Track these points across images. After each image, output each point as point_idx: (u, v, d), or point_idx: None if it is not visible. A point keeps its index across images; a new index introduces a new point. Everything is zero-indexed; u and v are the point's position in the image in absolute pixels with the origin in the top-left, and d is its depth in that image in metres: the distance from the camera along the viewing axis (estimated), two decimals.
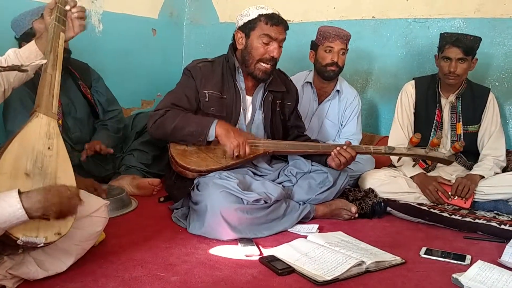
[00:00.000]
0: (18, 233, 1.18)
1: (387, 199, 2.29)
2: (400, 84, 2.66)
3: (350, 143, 2.15)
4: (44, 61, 1.45)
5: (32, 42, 1.56)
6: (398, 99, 2.59)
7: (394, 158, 2.42)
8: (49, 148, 1.34)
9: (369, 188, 2.36)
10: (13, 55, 1.55)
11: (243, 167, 2.08)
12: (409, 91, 2.55)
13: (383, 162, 2.63)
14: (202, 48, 3.69)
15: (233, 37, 2.18)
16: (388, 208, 2.25)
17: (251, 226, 1.84)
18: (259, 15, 2.05)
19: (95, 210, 1.50)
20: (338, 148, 2.09)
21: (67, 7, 1.55)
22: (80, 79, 2.47)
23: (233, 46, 2.19)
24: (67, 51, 2.25)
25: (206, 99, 2.10)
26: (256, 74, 2.11)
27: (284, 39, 2.11)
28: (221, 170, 1.97)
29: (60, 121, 2.29)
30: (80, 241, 1.47)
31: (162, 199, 2.29)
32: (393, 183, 2.36)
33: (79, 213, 1.36)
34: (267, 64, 2.08)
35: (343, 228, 1.97)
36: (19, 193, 1.15)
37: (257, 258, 1.66)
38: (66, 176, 1.36)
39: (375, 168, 2.58)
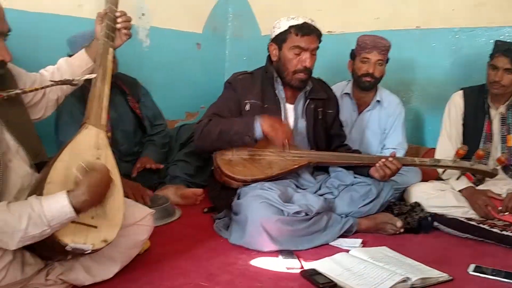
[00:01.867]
0: (67, 239, 1.24)
1: (435, 213, 2.21)
2: (446, 95, 2.57)
3: (395, 154, 2.10)
4: (94, 76, 1.52)
5: (83, 51, 1.65)
6: (445, 110, 2.50)
7: (441, 171, 2.34)
8: (97, 158, 1.40)
9: (416, 202, 2.28)
10: (65, 64, 1.64)
11: (286, 179, 2.08)
12: (457, 101, 2.46)
13: (430, 174, 2.53)
14: (243, 61, 3.74)
15: (268, 48, 2.21)
16: (435, 223, 2.17)
17: (291, 238, 1.83)
18: (290, 26, 2.07)
19: (140, 219, 1.55)
20: (383, 160, 2.06)
21: (116, 15, 1.63)
22: (129, 94, 2.58)
23: (269, 57, 2.23)
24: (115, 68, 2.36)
25: (248, 109, 2.13)
26: (293, 83, 2.13)
27: (317, 47, 2.11)
28: (266, 180, 1.99)
29: (109, 134, 2.39)
30: (126, 248, 1.51)
31: (206, 209, 2.32)
32: (440, 197, 2.27)
33: (125, 221, 1.41)
34: (302, 73, 2.10)
35: (387, 243, 1.92)
36: (67, 192, 1.22)
37: (298, 271, 1.64)
38: (114, 184, 1.40)
39: (422, 181, 2.50)
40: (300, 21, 2.07)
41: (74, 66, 1.63)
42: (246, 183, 2.00)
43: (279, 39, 2.12)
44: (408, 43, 2.95)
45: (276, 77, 2.17)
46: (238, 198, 1.97)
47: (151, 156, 2.57)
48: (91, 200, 1.25)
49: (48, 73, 1.61)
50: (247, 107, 2.13)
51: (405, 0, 2.96)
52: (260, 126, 1.97)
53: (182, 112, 3.54)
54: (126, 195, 2.08)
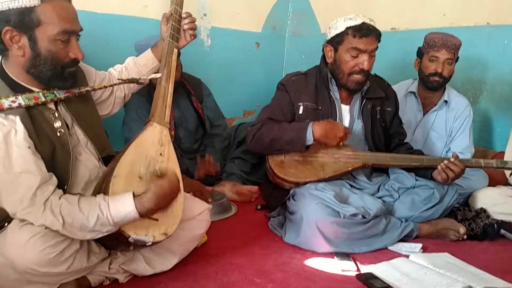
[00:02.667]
0: (130, 231, 1.31)
1: (501, 220, 2.09)
2: None
3: (458, 156, 2.00)
4: (159, 75, 1.59)
5: (149, 50, 1.73)
6: None
7: (509, 173, 2.20)
8: (161, 154, 1.46)
9: (481, 208, 2.16)
10: (132, 63, 1.73)
11: (340, 179, 2.05)
12: None
13: (497, 179, 2.39)
14: (302, 59, 3.72)
15: (323, 49, 2.16)
16: (502, 231, 2.05)
17: (348, 240, 1.80)
18: (347, 27, 1.99)
19: (199, 213, 1.59)
20: (445, 162, 1.97)
21: (182, 17, 1.69)
22: (193, 95, 2.66)
23: (324, 58, 2.18)
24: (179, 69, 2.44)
25: (301, 112, 2.10)
26: (349, 86, 2.07)
27: (376, 48, 2.02)
28: (319, 182, 1.96)
29: (173, 132, 2.48)
30: (184, 242, 1.56)
31: (259, 207, 2.35)
32: (508, 203, 2.14)
33: (184, 215, 1.45)
34: (359, 75, 2.03)
35: (449, 250, 1.83)
36: (134, 196, 1.28)
37: (354, 274, 1.62)
38: (173, 171, 1.45)
39: (489, 185, 2.36)
40: (358, 21, 1.97)
41: (140, 65, 1.71)
42: (298, 185, 1.99)
43: (335, 41, 2.04)
44: (477, 41, 2.79)
45: (330, 78, 2.12)
46: (293, 198, 1.97)
47: (213, 155, 2.62)
48: (156, 207, 1.33)
49: (116, 72, 1.71)
50: (301, 110, 2.10)
51: None
52: (312, 133, 1.95)
53: (240, 110, 3.59)
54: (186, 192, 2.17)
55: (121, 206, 1.26)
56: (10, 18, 1.21)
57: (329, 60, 2.12)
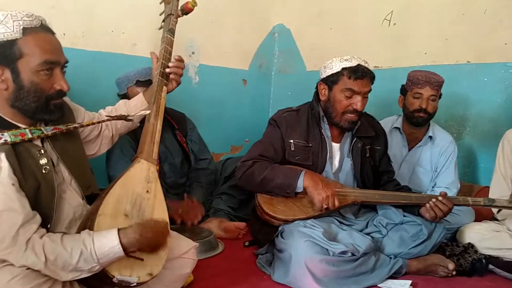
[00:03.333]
0: (114, 271, 1.27)
1: (489, 255, 2.09)
2: (500, 131, 2.47)
3: (446, 193, 2.02)
4: (148, 112, 1.59)
5: (140, 94, 1.76)
6: (499, 148, 2.38)
7: (495, 211, 2.22)
8: (147, 191, 1.44)
9: (469, 243, 2.17)
10: (122, 104, 1.76)
11: (329, 216, 2.04)
12: (511, 138, 2.35)
13: (484, 214, 2.41)
14: (289, 96, 3.78)
15: (317, 86, 2.19)
16: (490, 266, 2.06)
17: (337, 279, 1.77)
18: (343, 68, 2.02)
19: (185, 252, 1.56)
20: (434, 200, 1.98)
21: (170, 64, 1.71)
22: (177, 129, 2.66)
23: (317, 95, 2.21)
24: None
25: (292, 149, 2.11)
26: (342, 124, 2.09)
27: (369, 90, 2.07)
28: (308, 220, 1.94)
29: (157, 167, 2.46)
30: (170, 282, 1.52)
31: (247, 243, 2.31)
32: (496, 238, 2.15)
33: (170, 254, 1.42)
34: (352, 114, 2.06)
35: (439, 286, 1.84)
36: (118, 230, 1.25)
37: None
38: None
39: (475, 221, 2.38)
40: (354, 63, 2.01)
41: (131, 106, 1.74)
42: (287, 222, 1.97)
43: (330, 80, 2.07)
44: (458, 78, 2.88)
45: (322, 116, 2.15)
46: (281, 235, 1.95)
47: (198, 198, 2.55)
48: (141, 243, 1.29)
49: (106, 112, 1.72)
50: (292, 147, 2.11)
51: (455, 35, 2.91)
52: (303, 183, 1.96)
53: (227, 146, 3.59)
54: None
55: (105, 240, 1.23)
56: None
57: (322, 98, 2.14)
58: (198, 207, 2.42)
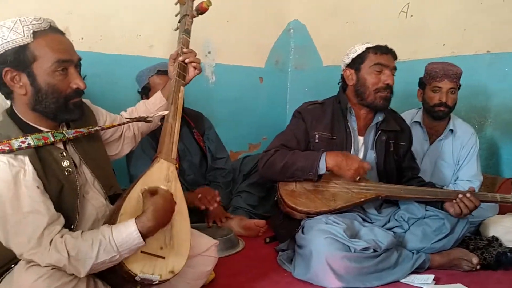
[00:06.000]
0: (136, 270, 1.29)
1: None
2: None
3: (474, 189, 1.99)
4: (166, 112, 1.61)
5: (159, 92, 1.78)
6: None
7: None
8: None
9: (493, 236, 2.13)
10: (141, 104, 1.79)
11: (352, 211, 2.02)
12: None
13: (508, 207, 2.36)
14: (305, 92, 3.77)
15: (342, 77, 2.19)
16: None
17: (359, 275, 1.76)
18: (367, 48, 2.09)
19: (205, 250, 1.58)
20: (460, 196, 1.95)
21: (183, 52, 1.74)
22: (194, 127, 2.68)
23: (342, 86, 2.20)
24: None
25: (316, 141, 2.10)
26: (377, 103, 2.07)
27: (395, 68, 2.08)
28: (330, 212, 1.94)
29: (177, 165, 2.49)
30: (192, 279, 1.54)
31: (268, 239, 2.32)
32: None
33: (191, 252, 1.43)
34: (385, 91, 2.05)
35: (463, 281, 1.80)
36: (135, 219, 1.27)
37: None
38: (182, 215, 1.45)
39: (499, 213, 2.33)
40: (375, 44, 2.10)
41: (150, 104, 1.76)
42: (309, 215, 1.97)
43: (357, 62, 2.10)
44: (478, 69, 2.83)
45: (349, 107, 2.14)
46: (302, 231, 1.94)
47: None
48: (157, 224, 1.29)
49: (127, 113, 1.76)
50: (316, 138, 2.10)
51: (473, 25, 2.85)
52: (326, 163, 1.95)
53: (245, 144, 3.60)
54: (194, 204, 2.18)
55: (123, 228, 1.24)
56: (7, 59, 1.25)
57: (351, 83, 2.13)
58: (213, 190, 2.41)
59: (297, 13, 3.75)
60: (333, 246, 1.76)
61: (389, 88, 2.05)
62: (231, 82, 3.39)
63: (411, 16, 3.14)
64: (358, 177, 1.94)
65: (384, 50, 2.06)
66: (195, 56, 1.77)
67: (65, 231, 1.26)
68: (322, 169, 1.96)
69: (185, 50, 1.75)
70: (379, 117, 2.15)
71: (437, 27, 3.02)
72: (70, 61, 1.32)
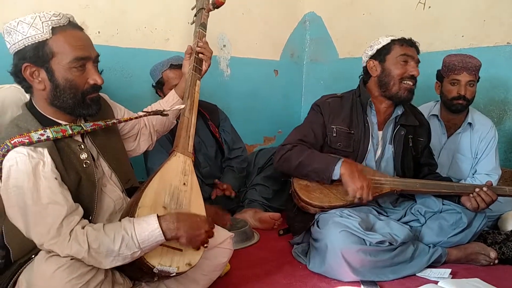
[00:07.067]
0: (154, 262, 1.31)
1: None
2: None
3: (492, 183, 1.96)
4: (182, 106, 1.62)
5: (173, 90, 1.80)
6: None
7: None
8: (184, 184, 1.47)
9: (511, 231, 2.09)
10: (156, 104, 1.82)
11: (366, 205, 2.01)
12: None
13: None
14: (321, 85, 3.75)
15: (364, 69, 2.17)
16: None
17: (374, 268, 1.76)
18: (392, 40, 2.08)
19: (221, 242, 1.59)
20: (477, 190, 1.92)
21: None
22: (209, 119, 2.69)
23: (363, 80, 2.18)
24: None
25: (334, 134, 2.09)
26: (401, 94, 2.04)
27: (419, 61, 2.07)
28: (344, 207, 1.94)
29: (193, 158, 2.52)
30: (208, 271, 1.56)
31: (281, 232, 2.33)
32: None
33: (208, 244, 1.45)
34: (410, 81, 2.03)
35: (480, 275, 1.78)
36: (157, 217, 1.29)
37: None
38: (198, 209, 1.47)
39: None
40: (399, 37, 2.10)
41: (163, 103, 1.79)
42: (323, 209, 1.96)
43: (382, 53, 2.08)
44: (498, 61, 2.76)
45: (370, 101, 2.12)
46: (317, 224, 1.94)
47: (231, 183, 2.64)
48: (177, 234, 1.31)
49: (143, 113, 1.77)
50: (334, 132, 2.09)
51: (493, 16, 2.79)
52: (340, 170, 1.92)
53: (260, 137, 3.61)
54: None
55: (145, 225, 1.26)
56: (26, 55, 1.28)
57: (374, 74, 2.11)
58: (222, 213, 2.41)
59: (313, 5, 3.72)
60: (348, 240, 1.76)
61: (414, 79, 2.04)
62: (246, 75, 3.39)
63: (429, 7, 3.08)
64: (359, 197, 1.86)
65: (409, 43, 2.07)
66: (207, 49, 1.79)
67: (86, 222, 1.28)
68: (336, 175, 1.93)
69: (200, 44, 1.76)
70: (398, 111, 2.13)
71: (455, 18, 2.96)
72: (88, 58, 1.34)
